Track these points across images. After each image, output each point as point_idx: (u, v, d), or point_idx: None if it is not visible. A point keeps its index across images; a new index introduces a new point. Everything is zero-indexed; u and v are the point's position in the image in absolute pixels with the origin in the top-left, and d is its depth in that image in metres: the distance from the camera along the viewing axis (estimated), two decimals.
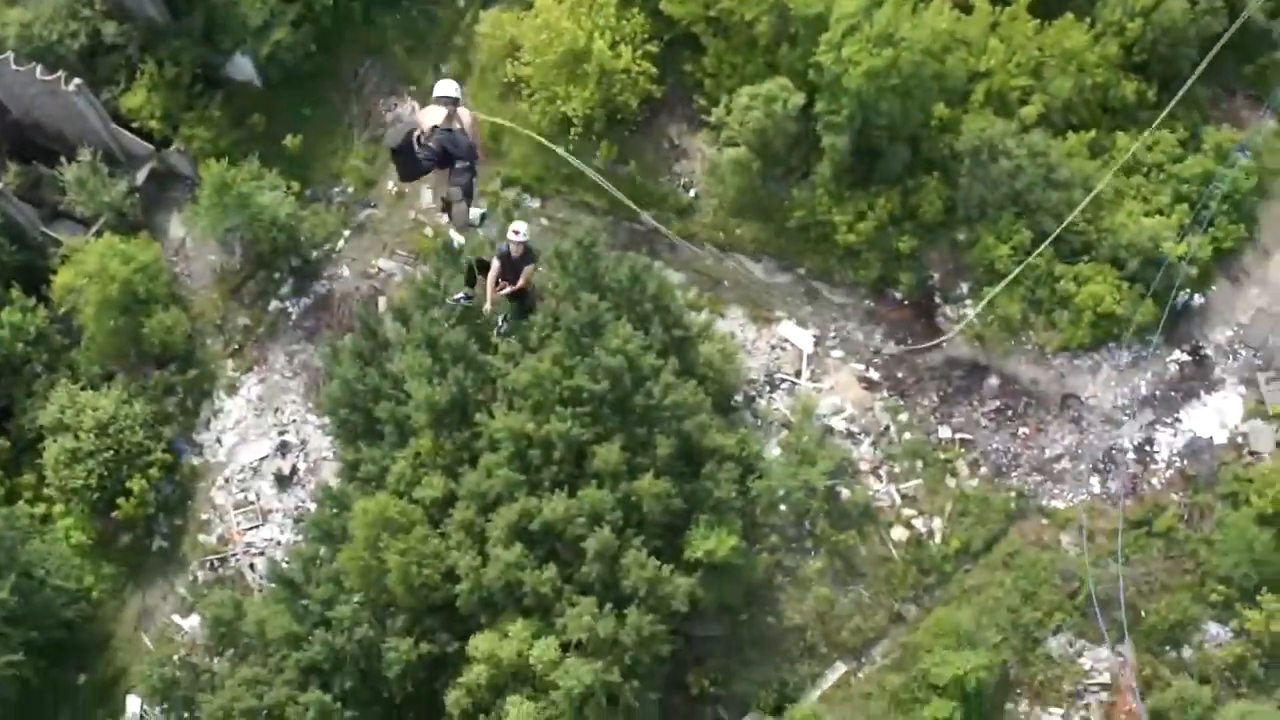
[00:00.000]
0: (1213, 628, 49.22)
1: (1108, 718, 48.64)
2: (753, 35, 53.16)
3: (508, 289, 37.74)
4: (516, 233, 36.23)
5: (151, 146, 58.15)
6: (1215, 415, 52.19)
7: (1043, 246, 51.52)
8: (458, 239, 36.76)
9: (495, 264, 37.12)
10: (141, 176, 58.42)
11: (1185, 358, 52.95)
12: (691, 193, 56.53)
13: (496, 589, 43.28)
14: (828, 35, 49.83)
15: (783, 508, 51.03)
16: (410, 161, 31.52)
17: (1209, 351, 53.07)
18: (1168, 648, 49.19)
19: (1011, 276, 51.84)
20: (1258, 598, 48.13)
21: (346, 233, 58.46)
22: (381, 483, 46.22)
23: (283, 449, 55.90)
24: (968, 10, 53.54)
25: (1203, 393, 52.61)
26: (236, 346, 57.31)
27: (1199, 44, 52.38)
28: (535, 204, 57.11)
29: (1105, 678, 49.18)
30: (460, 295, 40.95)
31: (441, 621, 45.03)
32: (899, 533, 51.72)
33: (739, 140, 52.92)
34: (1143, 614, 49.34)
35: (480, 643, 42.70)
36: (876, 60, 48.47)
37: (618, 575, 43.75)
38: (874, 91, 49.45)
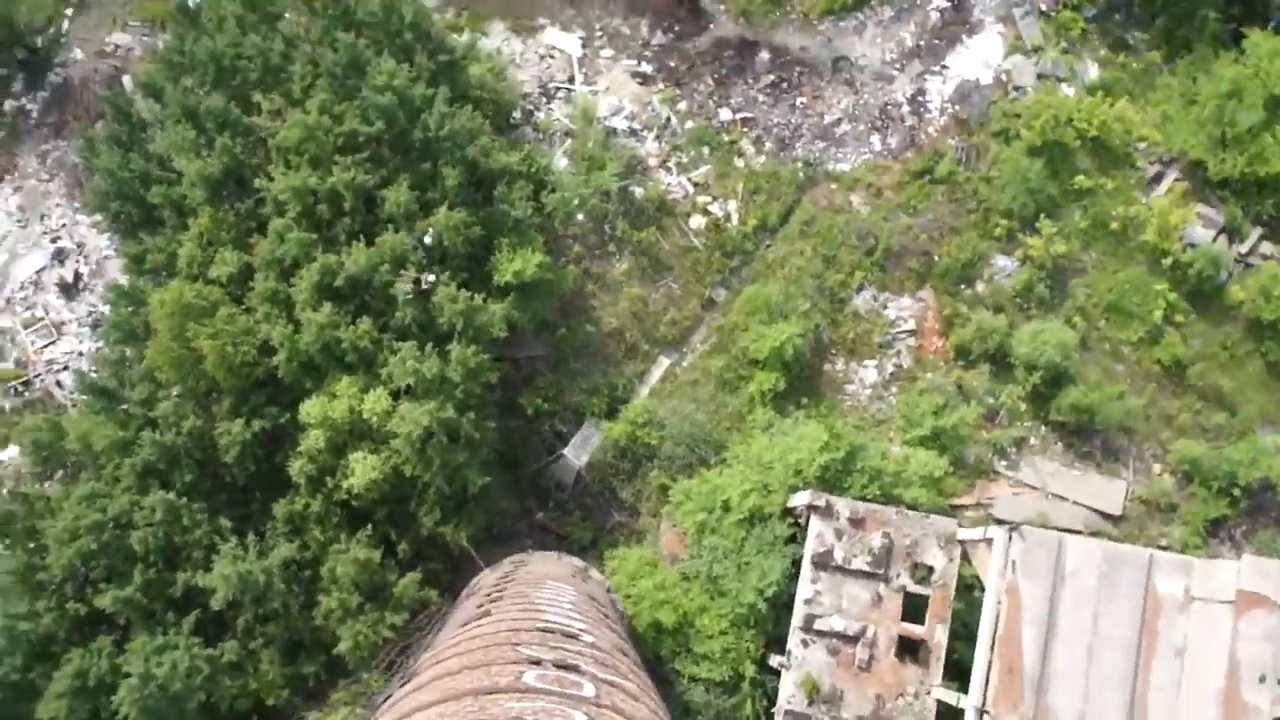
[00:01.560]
0: (1000, 260, 51.70)
1: (917, 360, 51.12)
2: None
3: None
4: None
5: None
6: (979, 57, 53.46)
7: None
8: None
9: None
10: None
11: (945, 3, 53.70)
12: None
13: (315, 352, 42.69)
14: None
15: (580, 216, 51.11)
16: None
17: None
18: (962, 286, 51.57)
19: None
20: (1037, 225, 50.69)
21: (69, 11, 54.25)
22: (172, 270, 44.52)
23: (59, 256, 53.12)
24: None
25: (965, 36, 53.68)
26: None
27: None
28: None
29: (911, 324, 51.45)
30: None
31: (268, 396, 44.45)
32: (697, 221, 52.32)
33: None
34: (936, 258, 51.40)
35: (310, 408, 42.39)
36: None
37: (432, 314, 43.50)
38: None
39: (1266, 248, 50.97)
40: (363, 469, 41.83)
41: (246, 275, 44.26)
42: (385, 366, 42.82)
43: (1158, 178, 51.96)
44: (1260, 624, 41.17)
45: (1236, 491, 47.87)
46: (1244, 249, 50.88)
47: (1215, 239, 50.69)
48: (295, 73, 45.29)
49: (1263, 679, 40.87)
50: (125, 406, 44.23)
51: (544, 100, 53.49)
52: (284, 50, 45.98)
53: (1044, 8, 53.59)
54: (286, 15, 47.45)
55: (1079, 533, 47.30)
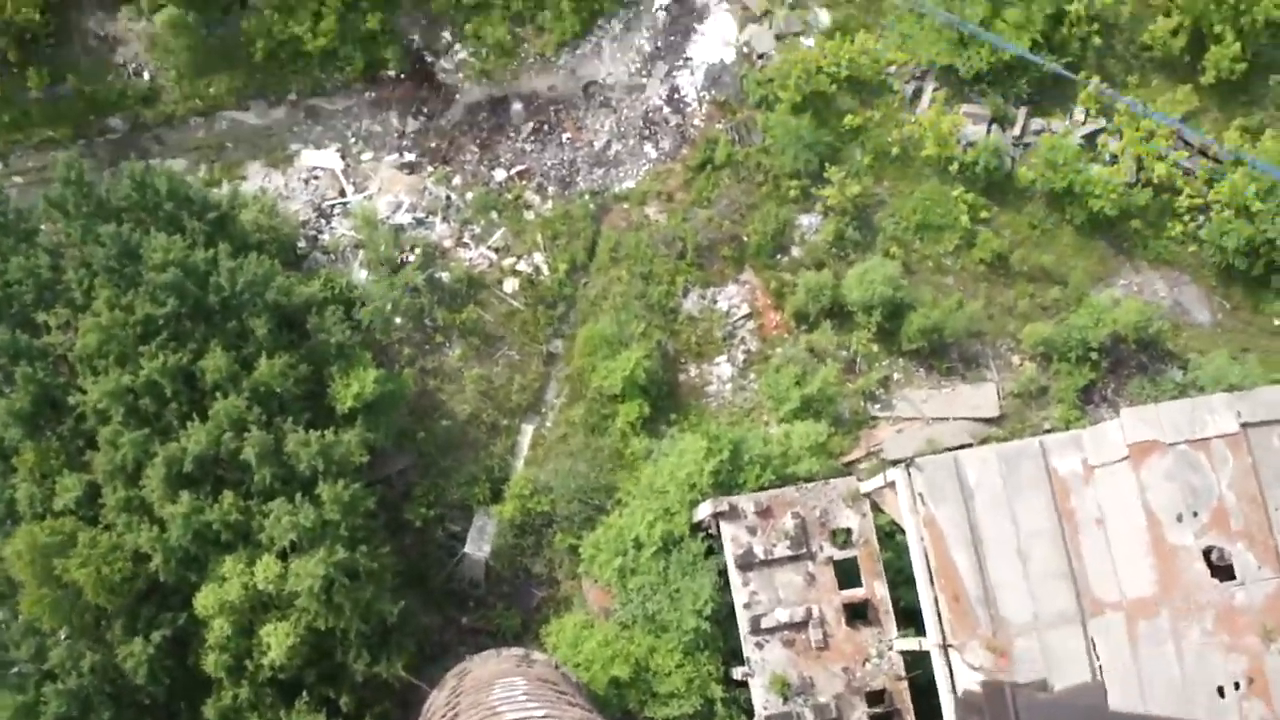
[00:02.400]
0: (804, 219, 52.67)
1: (763, 339, 51.76)
2: None
3: None
4: None
5: None
6: (717, 39, 54.42)
7: None
8: None
9: None
10: None
11: (668, 1, 54.52)
12: (146, 75, 52.78)
13: (188, 544, 41.35)
14: None
15: (398, 320, 50.66)
16: None
17: None
18: (778, 256, 52.38)
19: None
20: (825, 175, 51.70)
21: None
22: (14, 516, 42.77)
23: None
24: None
25: (696, 25, 54.60)
26: None
27: None
28: None
29: (744, 309, 52.10)
30: None
31: (158, 604, 42.94)
32: (511, 284, 52.24)
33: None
34: (745, 239, 52.14)
35: (204, 600, 41.08)
36: None
37: (290, 464, 42.59)
38: None
39: (1035, 123, 52.89)
40: (278, 640, 40.68)
41: (93, 494, 42.69)
42: (263, 532, 41.75)
43: (917, 93, 53.54)
44: (1158, 468, 42.49)
45: (1093, 355, 49.46)
46: (1017, 132, 52.73)
47: (989, 131, 52.44)
48: (71, 280, 43.95)
49: (1179, 518, 42.21)
50: (16, 669, 42.29)
51: (324, 222, 52.88)
52: (51, 263, 44.56)
53: None
54: (42, 227, 46.07)
55: (970, 445, 48.37)
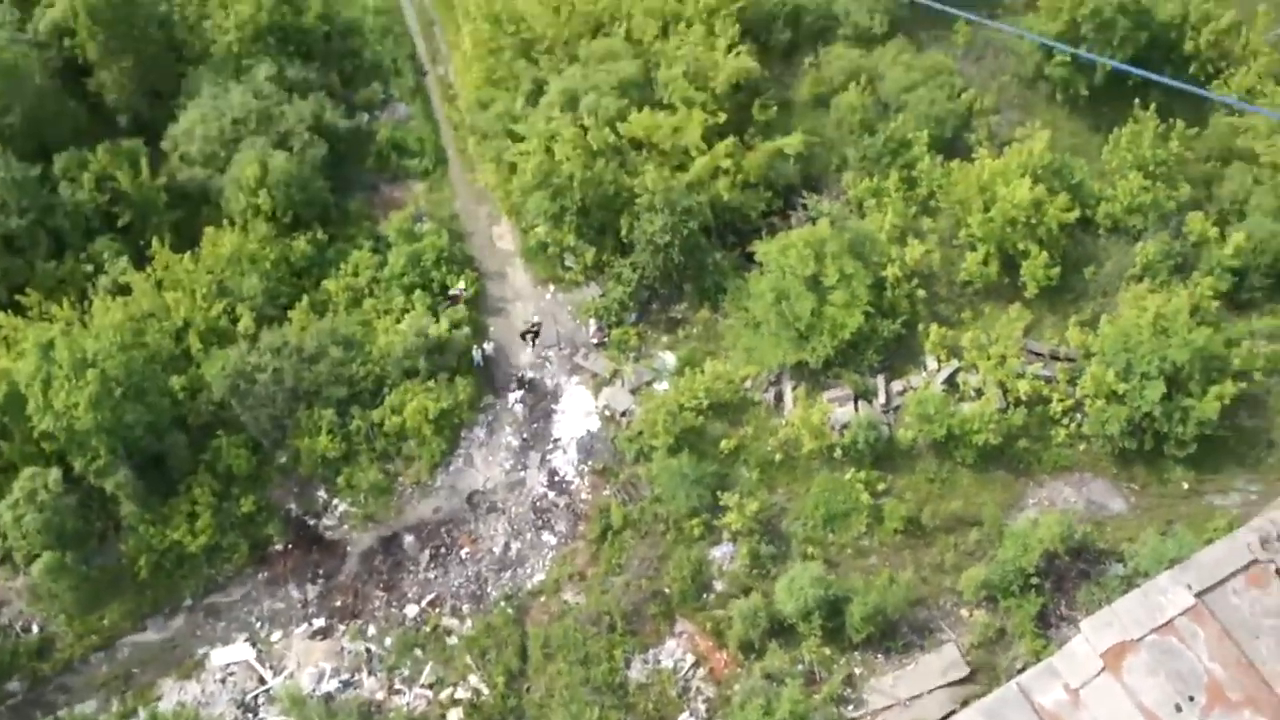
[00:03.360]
0: (716, 552, 52.27)
1: (718, 682, 50.10)
2: None
3: None
4: None
5: None
6: (578, 412, 55.80)
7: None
8: None
9: None
10: None
11: (519, 391, 56.07)
12: (35, 629, 52.25)
13: None
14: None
15: None
16: None
17: (528, 373, 56.61)
18: (704, 596, 51.44)
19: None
20: (720, 504, 51.90)
21: None
22: None
23: None
24: None
25: (554, 406, 56.06)
26: None
27: None
28: None
29: (690, 658, 50.76)
30: None
31: None
32: (455, 715, 50.45)
33: (36, 550, 49.85)
34: (666, 590, 51.44)
35: None
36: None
37: None
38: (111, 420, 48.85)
39: (896, 385, 54.22)
40: None
41: None
42: None
43: (779, 397, 54.74)
44: (1137, 666, 41.81)
45: (1034, 580, 48.61)
46: (882, 400, 53.71)
47: (857, 409, 53.38)
48: None
49: (1178, 708, 41.07)
50: None
51: (250, 716, 51.32)
52: None
53: (595, 341, 56.84)
54: None
55: (955, 711, 46.64)
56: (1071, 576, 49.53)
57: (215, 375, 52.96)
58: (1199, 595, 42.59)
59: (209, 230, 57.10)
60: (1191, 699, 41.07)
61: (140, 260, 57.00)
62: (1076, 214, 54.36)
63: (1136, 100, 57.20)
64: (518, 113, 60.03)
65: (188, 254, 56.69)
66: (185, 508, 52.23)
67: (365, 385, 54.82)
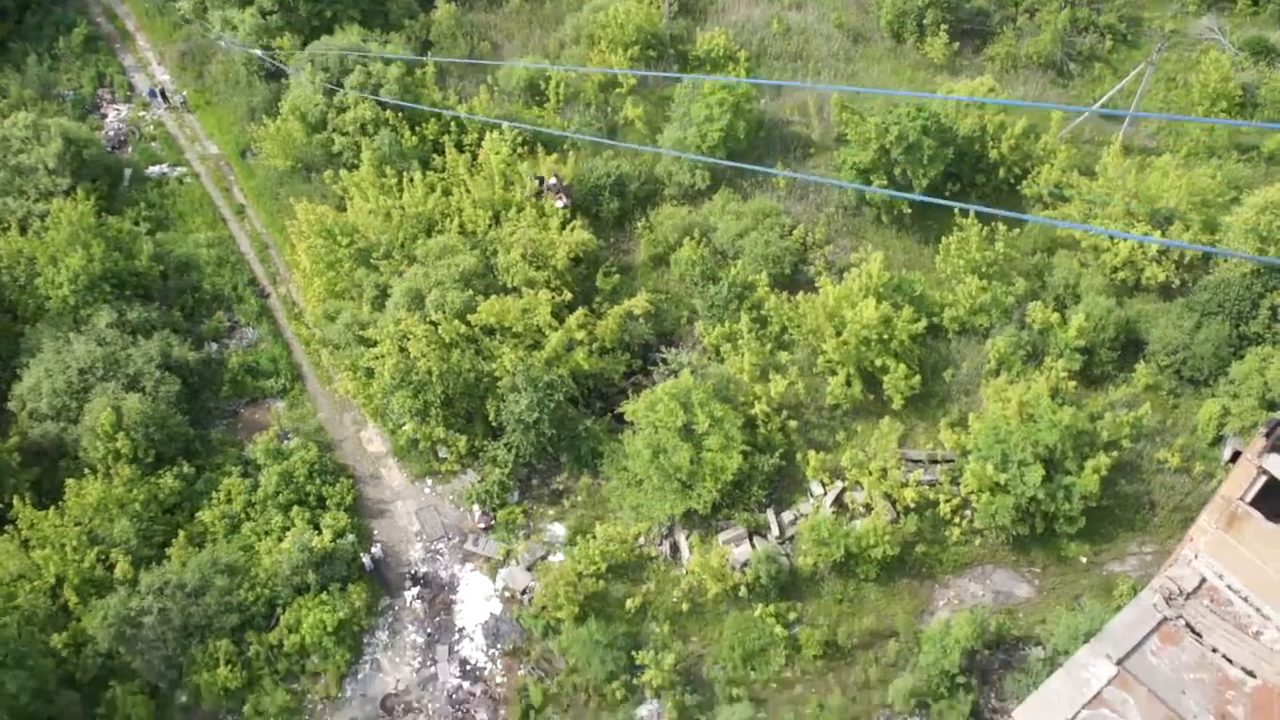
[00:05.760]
0: (643, 711, 51.52)
1: None
2: None
3: None
4: None
5: None
6: (478, 598, 54.95)
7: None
8: None
9: None
10: None
11: (415, 588, 55.14)
12: None
13: None
14: None
15: None
16: None
17: (421, 569, 55.77)
18: None
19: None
20: (638, 662, 51.58)
21: None
22: None
23: None
24: None
25: (453, 597, 55.16)
26: None
27: None
28: None
29: None
30: None
31: None
32: None
33: None
34: None
35: None
36: None
37: None
38: None
39: (787, 515, 55.19)
40: None
41: None
42: None
43: (675, 548, 55.01)
44: None
45: (960, 680, 49.13)
46: (776, 532, 54.47)
47: (753, 545, 53.90)
48: None
49: None
50: None
51: None
52: None
53: (483, 526, 56.52)
54: None
55: None
56: (995, 668, 50.27)
57: (98, 626, 50.93)
58: (1119, 663, 43.49)
59: (70, 482, 55.51)
60: None
61: (1, 524, 55.06)
62: (924, 323, 56.74)
63: (956, 209, 60.41)
64: (366, 319, 60.34)
65: (51, 509, 55.04)
66: None
67: (257, 609, 53.39)
